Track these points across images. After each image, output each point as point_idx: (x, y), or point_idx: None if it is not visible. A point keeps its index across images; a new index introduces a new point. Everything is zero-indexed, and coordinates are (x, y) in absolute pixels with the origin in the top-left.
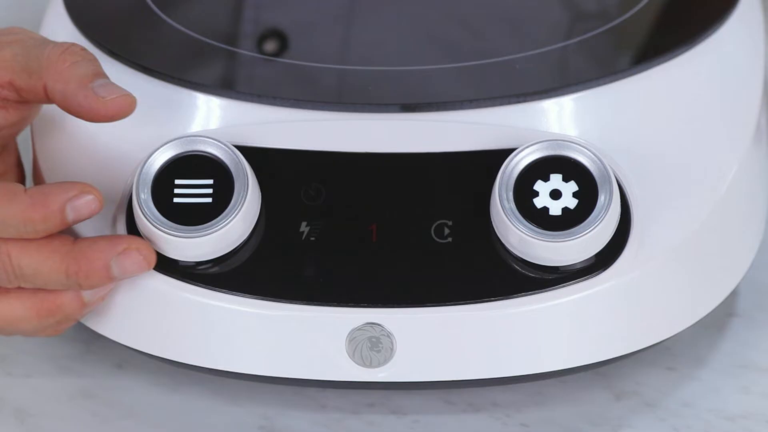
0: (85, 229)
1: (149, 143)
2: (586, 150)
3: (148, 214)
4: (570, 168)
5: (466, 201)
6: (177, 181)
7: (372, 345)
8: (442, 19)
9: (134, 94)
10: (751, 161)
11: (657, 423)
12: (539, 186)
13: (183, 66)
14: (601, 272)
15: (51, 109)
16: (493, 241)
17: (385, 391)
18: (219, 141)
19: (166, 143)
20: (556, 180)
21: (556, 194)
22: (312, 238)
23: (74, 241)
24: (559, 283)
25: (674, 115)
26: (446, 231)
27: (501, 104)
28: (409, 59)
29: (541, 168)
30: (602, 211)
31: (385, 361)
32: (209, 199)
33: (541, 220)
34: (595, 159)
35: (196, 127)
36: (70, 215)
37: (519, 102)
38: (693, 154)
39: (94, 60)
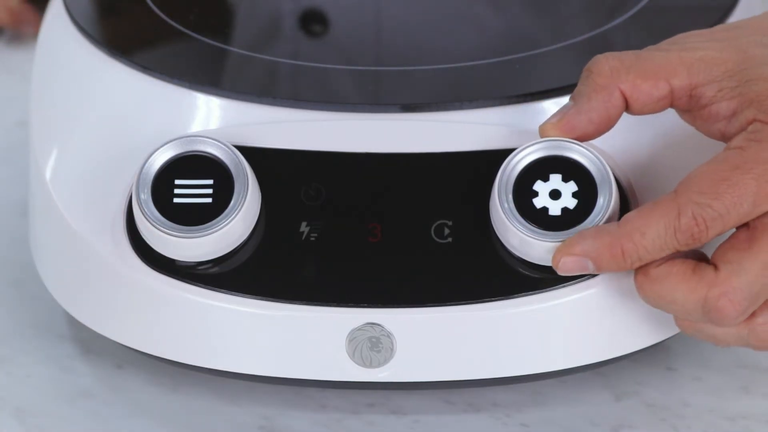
0: (83, 229)
1: (149, 143)
2: (585, 150)
3: (148, 214)
4: (569, 168)
5: (466, 201)
6: (177, 181)
7: (372, 345)
8: (442, 18)
9: (134, 94)
10: None
11: (657, 423)
12: (539, 186)
13: (183, 66)
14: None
15: (50, 110)
16: (493, 241)
17: (385, 391)
18: (219, 141)
19: (166, 143)
20: (555, 180)
21: (555, 194)
22: (312, 238)
23: None
24: (559, 283)
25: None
26: (446, 231)
27: (501, 104)
28: (409, 59)
29: (541, 168)
30: (602, 211)
31: (385, 361)
32: (209, 199)
33: (540, 220)
34: (595, 159)
35: (196, 127)
36: None
37: (519, 102)
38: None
39: None
